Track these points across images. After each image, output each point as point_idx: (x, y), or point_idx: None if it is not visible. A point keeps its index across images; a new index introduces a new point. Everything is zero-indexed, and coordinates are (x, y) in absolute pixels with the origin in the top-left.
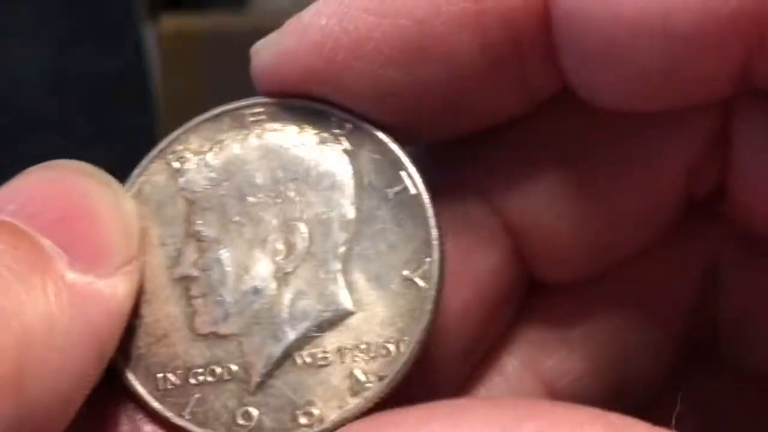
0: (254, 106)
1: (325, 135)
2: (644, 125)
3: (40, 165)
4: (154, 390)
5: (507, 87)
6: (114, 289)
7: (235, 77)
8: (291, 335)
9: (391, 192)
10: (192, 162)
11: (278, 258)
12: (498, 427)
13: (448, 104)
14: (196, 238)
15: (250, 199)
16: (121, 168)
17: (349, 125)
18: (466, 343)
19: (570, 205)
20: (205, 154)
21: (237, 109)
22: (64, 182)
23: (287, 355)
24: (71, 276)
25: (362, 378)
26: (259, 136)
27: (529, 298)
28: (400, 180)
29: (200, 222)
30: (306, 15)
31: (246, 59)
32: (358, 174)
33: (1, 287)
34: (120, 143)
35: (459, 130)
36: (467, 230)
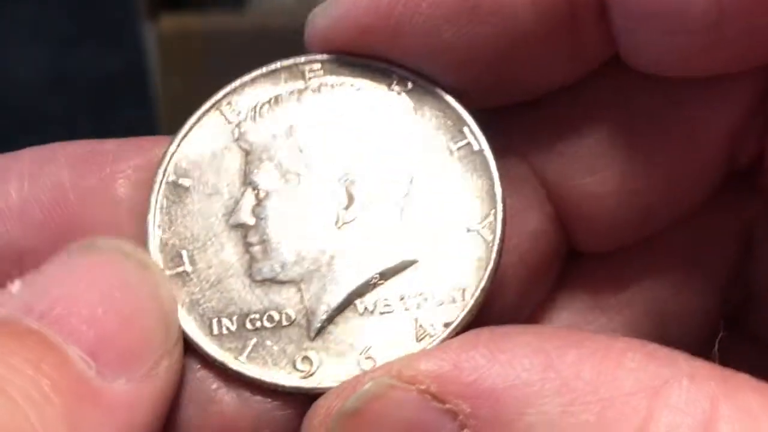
0: (312, 62)
1: (386, 90)
2: (688, 94)
3: (78, 245)
4: (209, 335)
5: (560, 51)
6: (146, 391)
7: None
8: (352, 282)
9: (454, 147)
10: (248, 114)
11: (339, 208)
12: (542, 354)
13: (502, 66)
14: (253, 187)
15: (309, 151)
16: None
17: (409, 83)
18: (506, 306)
19: (612, 173)
20: (261, 107)
21: (295, 64)
22: (101, 269)
23: (348, 302)
24: (98, 384)
25: (427, 325)
26: (317, 91)
27: (568, 266)
28: (463, 136)
29: (257, 172)
30: None
31: (246, 59)
32: (420, 129)
33: (15, 414)
34: None
35: (511, 96)
36: (509, 194)
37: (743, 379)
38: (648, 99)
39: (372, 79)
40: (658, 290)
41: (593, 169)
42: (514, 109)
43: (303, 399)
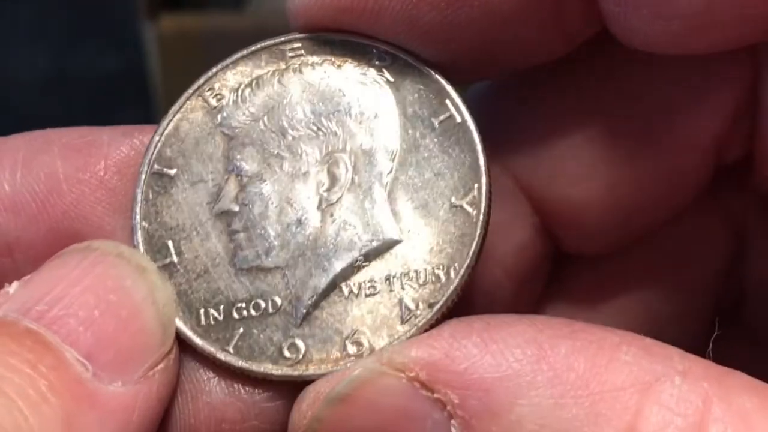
0: (292, 41)
1: (366, 67)
2: (671, 99)
3: (76, 247)
4: (196, 326)
5: (544, 28)
6: (141, 394)
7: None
8: (337, 265)
9: (436, 121)
10: (229, 98)
11: (322, 189)
12: (535, 345)
13: (484, 44)
14: (236, 173)
15: (291, 132)
16: None
17: (389, 58)
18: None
19: (597, 180)
20: (242, 90)
21: (275, 44)
22: (97, 272)
23: (333, 285)
24: (94, 386)
25: (412, 306)
26: (298, 71)
27: (557, 271)
28: (446, 108)
29: (239, 157)
30: None
31: None
32: (401, 104)
33: (12, 412)
34: None
35: (494, 69)
36: (493, 209)
37: (738, 379)
38: (631, 105)
39: (352, 56)
40: (650, 292)
41: (579, 178)
42: (497, 118)
43: (292, 389)
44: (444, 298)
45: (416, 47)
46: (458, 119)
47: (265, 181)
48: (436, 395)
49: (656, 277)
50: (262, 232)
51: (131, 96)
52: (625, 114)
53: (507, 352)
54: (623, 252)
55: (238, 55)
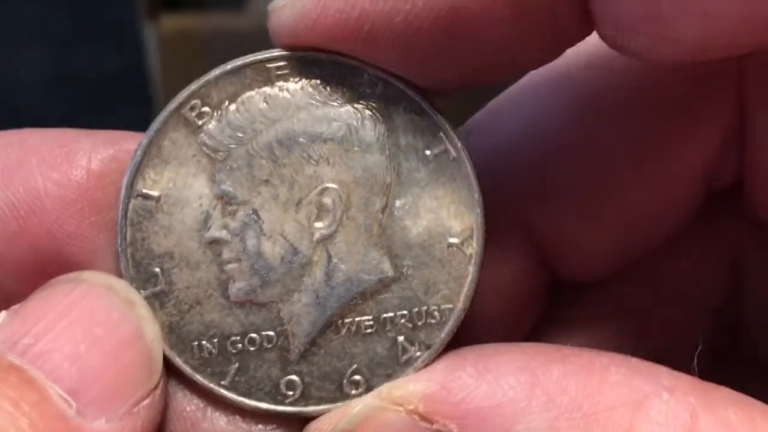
0: (278, 59)
1: (356, 93)
2: (660, 129)
3: (65, 278)
4: (191, 359)
5: (538, 40)
6: (126, 430)
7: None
8: (333, 303)
9: (430, 153)
10: (213, 118)
11: (315, 222)
12: (527, 372)
13: (479, 58)
14: (225, 199)
15: (282, 159)
16: None
17: (381, 84)
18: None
19: (589, 206)
20: (226, 110)
21: (260, 61)
22: (85, 304)
23: (330, 322)
24: (77, 423)
25: (409, 347)
26: (285, 92)
27: (553, 298)
28: (440, 141)
29: (228, 182)
30: None
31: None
32: (394, 133)
33: None
34: None
35: (485, 79)
36: (488, 241)
37: (724, 393)
38: (621, 135)
39: (342, 79)
40: (648, 321)
41: (569, 206)
42: (492, 151)
43: (292, 420)
44: (440, 340)
45: (410, 72)
46: (453, 154)
47: (255, 209)
48: (435, 426)
49: (654, 305)
50: (255, 264)
51: (131, 96)
52: (612, 148)
53: (501, 380)
54: (619, 281)
55: (220, 70)
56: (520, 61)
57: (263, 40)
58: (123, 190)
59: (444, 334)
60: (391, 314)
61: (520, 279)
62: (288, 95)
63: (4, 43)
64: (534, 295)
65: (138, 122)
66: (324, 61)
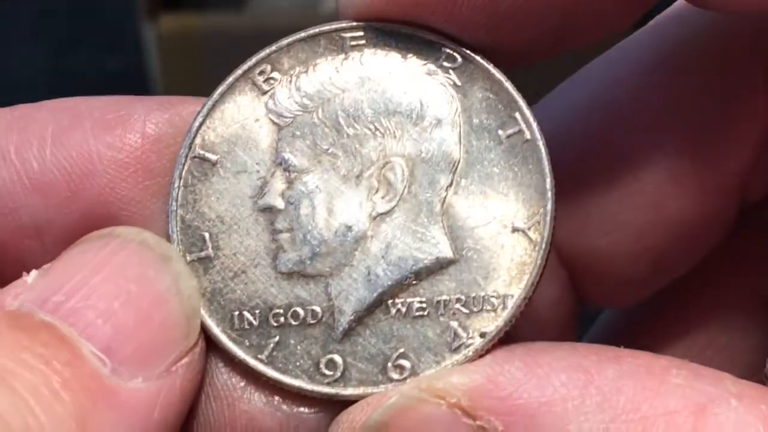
0: (355, 29)
1: (433, 67)
2: (695, 144)
3: (98, 234)
4: (229, 329)
5: None
6: (164, 390)
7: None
8: (385, 281)
9: (503, 134)
10: (282, 84)
11: (374, 196)
12: (581, 370)
13: (561, 20)
14: (284, 167)
15: (347, 129)
16: None
17: (459, 58)
18: None
19: (624, 232)
20: (297, 77)
21: (335, 30)
22: (119, 260)
23: (380, 301)
24: (112, 382)
25: (462, 333)
26: (359, 62)
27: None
28: (515, 122)
29: (289, 150)
30: None
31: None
32: (467, 112)
33: (20, 410)
34: None
35: (563, 47)
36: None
37: None
38: (654, 153)
39: (418, 53)
40: (685, 342)
41: (606, 230)
42: None
43: (336, 404)
44: (497, 328)
45: (492, 37)
46: (527, 135)
47: (314, 179)
48: (478, 422)
49: (689, 325)
50: (308, 235)
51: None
52: (646, 166)
53: (553, 377)
54: (653, 302)
55: (294, 37)
56: (601, 20)
57: (263, 40)
58: (182, 149)
59: (501, 322)
60: (445, 297)
61: (558, 302)
62: (360, 65)
63: (4, 43)
64: (570, 319)
65: None
66: (401, 33)
